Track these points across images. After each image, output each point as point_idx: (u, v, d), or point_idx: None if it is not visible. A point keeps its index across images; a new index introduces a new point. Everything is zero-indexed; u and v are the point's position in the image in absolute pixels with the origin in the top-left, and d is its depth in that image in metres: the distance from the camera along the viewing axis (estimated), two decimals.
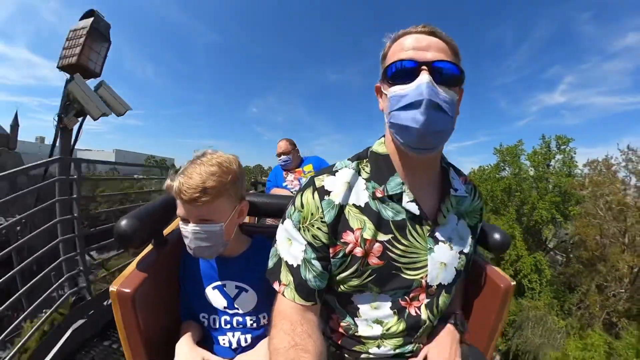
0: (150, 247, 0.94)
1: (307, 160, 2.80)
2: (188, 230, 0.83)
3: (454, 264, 0.74)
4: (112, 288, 0.80)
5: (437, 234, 0.71)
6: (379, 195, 0.69)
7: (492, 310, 0.91)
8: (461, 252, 0.75)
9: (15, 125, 17.26)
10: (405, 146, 0.64)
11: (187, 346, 0.84)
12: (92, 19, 3.42)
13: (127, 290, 0.80)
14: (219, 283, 0.91)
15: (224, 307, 0.91)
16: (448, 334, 0.79)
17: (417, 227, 0.69)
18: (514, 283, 0.90)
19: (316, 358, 0.60)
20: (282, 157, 2.70)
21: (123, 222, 0.83)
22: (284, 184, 2.69)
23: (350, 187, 0.70)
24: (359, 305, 0.72)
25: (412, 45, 0.65)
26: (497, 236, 0.90)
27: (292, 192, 2.63)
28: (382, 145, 0.75)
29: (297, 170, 2.75)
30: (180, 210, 0.84)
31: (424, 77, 0.61)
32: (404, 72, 0.63)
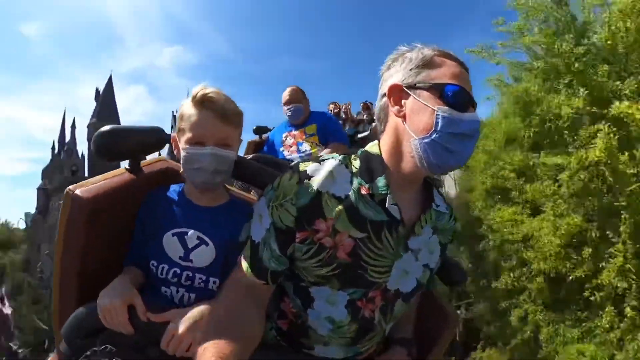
0: (121, 170, 0.91)
1: (311, 118, 2.41)
2: (206, 152, 0.81)
3: (416, 275, 0.76)
4: (70, 189, 0.78)
5: (410, 243, 0.72)
6: (363, 192, 0.69)
7: (436, 340, 0.97)
8: (426, 266, 0.77)
9: None
10: (429, 165, 0.65)
11: (122, 281, 0.77)
12: None
13: (86, 197, 0.77)
14: (181, 230, 0.86)
15: (178, 258, 0.85)
16: (401, 358, 0.82)
17: (393, 231, 0.69)
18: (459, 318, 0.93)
19: (248, 329, 0.62)
20: (291, 106, 2.31)
21: (107, 128, 0.84)
22: (282, 150, 2.35)
23: (333, 176, 0.69)
24: (314, 297, 0.72)
25: (461, 76, 0.68)
26: (457, 272, 0.96)
27: (291, 160, 2.29)
28: (376, 147, 0.74)
29: (298, 132, 2.39)
30: (196, 130, 0.82)
31: (475, 114, 0.67)
32: (464, 100, 0.66)
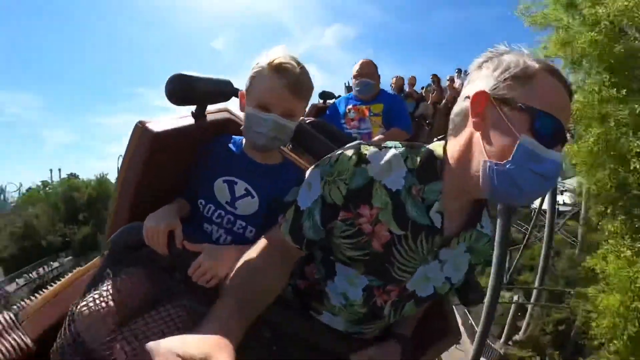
0: (187, 114, 0.95)
1: (379, 97, 2.32)
2: (269, 119, 0.84)
3: (435, 283, 0.75)
4: (141, 122, 0.84)
5: (441, 253, 0.71)
6: (413, 192, 0.67)
7: (429, 349, 0.99)
8: (448, 279, 0.76)
9: None
10: (491, 194, 0.61)
11: (170, 210, 0.83)
12: None
13: (153, 131, 0.83)
14: (232, 178, 0.91)
15: (225, 202, 0.90)
16: (391, 353, 0.83)
17: (430, 238, 0.68)
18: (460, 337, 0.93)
19: (270, 283, 0.66)
20: (362, 79, 2.25)
21: (178, 73, 0.87)
22: (342, 122, 2.31)
23: (390, 167, 0.67)
24: (337, 272, 0.74)
25: (562, 106, 0.60)
26: (474, 292, 0.92)
27: (351, 134, 2.25)
28: (441, 148, 0.70)
29: (363, 107, 2.32)
30: (265, 96, 0.85)
31: (560, 154, 0.60)
32: (555, 136, 0.59)
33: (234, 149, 0.95)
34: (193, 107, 0.95)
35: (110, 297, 0.73)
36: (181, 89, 0.89)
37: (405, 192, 0.67)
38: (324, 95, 2.93)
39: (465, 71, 8.20)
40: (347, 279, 0.73)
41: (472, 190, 0.65)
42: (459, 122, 0.66)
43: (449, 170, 0.67)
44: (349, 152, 0.68)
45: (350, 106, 2.35)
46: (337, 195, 0.67)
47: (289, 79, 0.84)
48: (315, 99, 2.96)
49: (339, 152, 0.70)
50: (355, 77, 2.29)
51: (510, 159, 0.57)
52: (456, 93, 6.07)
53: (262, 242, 0.71)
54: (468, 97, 0.63)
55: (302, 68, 0.87)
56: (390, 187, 0.67)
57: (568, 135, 0.60)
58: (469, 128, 0.63)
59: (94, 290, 0.75)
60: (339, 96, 2.80)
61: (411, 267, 0.70)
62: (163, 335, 0.60)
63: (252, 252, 0.69)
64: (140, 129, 0.84)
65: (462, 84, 7.00)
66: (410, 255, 0.69)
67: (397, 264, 0.69)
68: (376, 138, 2.22)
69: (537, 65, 0.60)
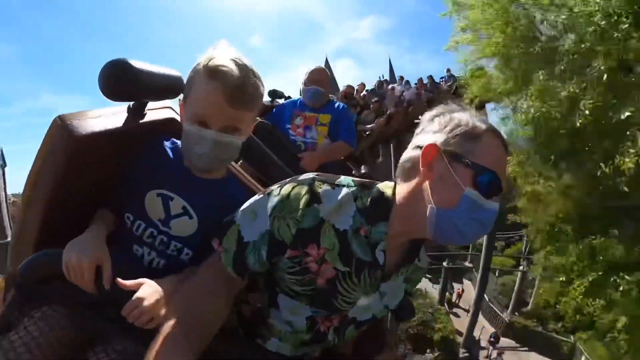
0: (122, 109, 0.81)
1: (328, 107, 2.31)
2: (207, 137, 0.73)
3: (374, 311, 0.80)
4: (62, 117, 0.69)
5: (382, 286, 0.76)
6: (361, 232, 0.69)
7: None
8: (386, 306, 0.81)
9: None
10: (435, 236, 0.66)
11: (94, 236, 0.71)
12: None
13: (78, 130, 0.69)
14: (167, 193, 0.79)
15: (157, 220, 0.78)
16: None
17: (372, 273, 0.72)
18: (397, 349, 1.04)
19: (214, 319, 0.64)
20: (314, 87, 2.19)
21: (117, 60, 0.73)
22: (288, 127, 2.27)
23: (340, 208, 0.69)
24: (279, 304, 0.75)
25: (501, 164, 0.66)
26: (406, 310, 0.94)
27: (295, 141, 2.23)
28: (390, 190, 0.72)
29: (311, 115, 2.31)
30: (200, 108, 0.73)
31: (497, 204, 0.65)
32: (495, 189, 0.64)
33: (172, 155, 0.83)
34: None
35: (24, 347, 0.60)
36: (122, 83, 0.74)
37: (352, 232, 0.69)
38: (274, 94, 2.80)
39: (407, 81, 8.82)
40: (291, 310, 0.75)
41: (417, 232, 0.70)
42: (409, 168, 0.70)
43: (396, 212, 0.70)
44: (302, 190, 0.67)
45: (297, 111, 2.30)
46: (286, 233, 0.67)
47: (227, 87, 0.70)
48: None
49: (292, 186, 0.69)
50: (307, 83, 2.25)
51: (455, 208, 0.63)
52: (397, 101, 6.41)
53: (202, 269, 0.70)
54: (419, 147, 0.67)
55: (246, 70, 0.73)
56: (338, 227, 0.68)
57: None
58: (418, 176, 0.67)
59: (2, 339, 0.61)
60: (289, 97, 2.74)
61: (353, 299, 0.74)
62: None
63: (194, 280, 0.68)
64: (60, 128, 0.68)
65: (402, 92, 7.49)
66: (352, 289, 0.72)
67: (340, 297, 0.72)
68: (320, 148, 2.22)
69: (483, 127, 0.66)
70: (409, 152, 0.71)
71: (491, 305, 14.49)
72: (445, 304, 14.53)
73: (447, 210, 0.63)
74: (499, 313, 13.89)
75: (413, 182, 0.68)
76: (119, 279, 0.66)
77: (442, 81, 9.30)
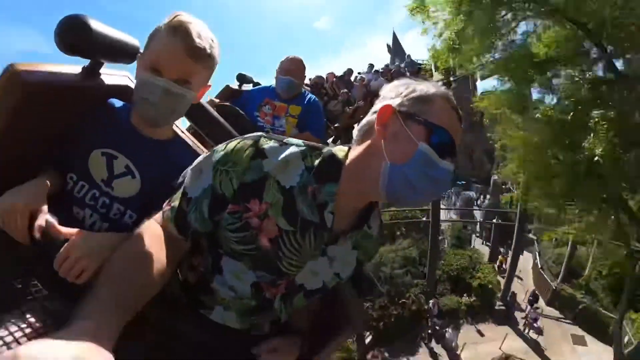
0: (77, 68, 0.81)
1: (300, 98, 2.30)
2: (159, 84, 0.74)
3: (324, 278, 0.78)
4: (14, 65, 0.69)
5: (328, 249, 0.74)
6: (308, 190, 0.68)
7: (328, 342, 0.98)
8: (337, 274, 0.79)
9: None
10: (388, 192, 0.66)
11: (35, 185, 0.70)
12: None
13: (30, 79, 0.69)
14: (111, 152, 0.78)
15: (100, 180, 0.78)
16: (292, 347, 0.84)
17: (318, 235, 0.71)
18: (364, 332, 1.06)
19: (152, 279, 0.59)
20: (288, 78, 2.16)
21: (78, 16, 0.74)
22: (256, 114, 2.24)
23: (287, 165, 0.68)
24: (223, 267, 0.73)
25: (454, 128, 0.67)
26: (366, 285, 1.02)
27: (264, 128, 2.18)
28: (343, 153, 0.72)
29: (281, 104, 2.28)
30: (157, 56, 0.75)
31: (451, 165, 0.66)
32: (447, 149, 0.66)
33: (120, 117, 0.83)
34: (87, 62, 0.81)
35: None
36: (76, 36, 0.75)
37: (299, 190, 0.68)
38: (242, 78, 2.71)
39: (377, 70, 9.10)
40: (235, 274, 0.73)
41: (368, 193, 0.70)
42: (365, 130, 0.71)
43: (347, 173, 0.70)
44: (247, 143, 0.67)
45: (266, 99, 2.27)
46: (228, 187, 0.66)
47: (187, 40, 0.74)
48: (230, 81, 2.76)
49: (237, 142, 0.69)
50: (282, 73, 2.21)
51: (408, 162, 0.64)
52: (365, 92, 6.35)
53: (142, 229, 0.66)
54: (376, 112, 0.69)
55: (206, 31, 0.77)
56: (283, 184, 0.68)
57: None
58: (373, 136, 0.69)
59: None
60: (257, 83, 2.70)
61: (299, 262, 0.72)
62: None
63: (131, 240, 0.64)
64: (10, 74, 0.69)
65: (369, 81, 7.63)
66: (297, 250, 0.71)
67: (284, 258, 0.71)
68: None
69: (437, 92, 0.69)
70: (366, 118, 0.72)
71: (542, 272, 14.39)
72: (496, 267, 14.94)
73: (400, 164, 0.64)
74: (548, 280, 13.83)
75: (367, 142, 0.69)
76: (52, 222, 0.63)
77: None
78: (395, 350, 11.18)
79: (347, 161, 0.71)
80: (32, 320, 0.60)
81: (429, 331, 11.69)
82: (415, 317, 11.83)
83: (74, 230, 0.65)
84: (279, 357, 0.81)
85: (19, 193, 0.66)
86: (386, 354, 10.92)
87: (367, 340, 10.45)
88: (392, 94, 0.71)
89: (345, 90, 5.84)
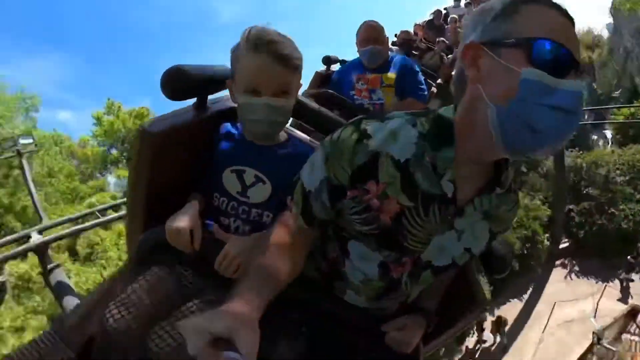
0: (188, 107, 0.93)
1: (390, 64, 2.12)
2: (261, 103, 0.80)
3: (453, 254, 0.73)
4: (141, 125, 0.84)
5: (455, 222, 0.69)
6: (426, 159, 0.63)
7: (455, 321, 0.99)
8: (467, 250, 0.74)
9: None
10: (504, 144, 0.56)
11: (188, 209, 0.85)
12: None
13: (153, 132, 0.82)
14: (239, 167, 0.89)
15: (236, 193, 0.89)
16: (418, 325, 0.85)
17: (443, 207, 0.66)
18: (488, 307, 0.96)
19: (289, 266, 0.66)
20: (370, 47, 2.02)
21: (172, 67, 0.84)
22: (352, 93, 2.16)
23: (395, 136, 0.65)
24: (350, 251, 0.75)
25: (565, 31, 0.55)
26: (498, 264, 0.89)
27: (363, 104, 2.10)
28: (450, 112, 0.65)
29: (373, 76, 2.17)
30: (250, 78, 0.80)
31: (579, 83, 0.54)
32: (563, 62, 0.53)
33: (236, 136, 0.93)
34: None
35: (134, 300, 0.75)
36: (179, 84, 0.87)
37: (415, 161, 0.64)
38: (328, 60, 2.68)
39: (468, 1, 7.07)
40: (361, 256, 0.74)
41: (487, 150, 0.62)
42: (459, 84, 0.63)
43: (461, 132, 0.63)
44: (350, 129, 0.67)
45: (358, 75, 2.17)
46: (342, 176, 0.67)
47: (271, 51, 0.77)
48: (318, 66, 2.70)
49: (340, 130, 0.69)
50: (362, 43, 2.09)
51: (515, 98, 0.53)
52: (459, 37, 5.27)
53: (276, 225, 0.74)
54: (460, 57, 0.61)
55: (283, 36, 0.81)
56: (398, 158, 0.64)
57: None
58: (469, 84, 0.60)
59: (121, 294, 0.77)
60: (343, 61, 2.64)
61: (424, 239, 0.69)
62: None
63: (268, 236, 0.71)
64: (140, 132, 0.84)
65: (461, 17, 5.88)
66: (422, 226, 0.68)
67: (409, 235, 0.68)
68: (390, 109, 2.08)
69: None
70: (456, 66, 0.65)
71: None
72: None
73: (508, 105, 0.53)
74: None
75: (467, 95, 0.61)
76: (216, 230, 0.82)
77: None
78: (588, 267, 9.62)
79: (457, 119, 0.64)
80: (201, 307, 0.76)
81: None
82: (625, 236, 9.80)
83: (228, 235, 0.81)
84: (407, 334, 0.83)
85: (179, 218, 0.81)
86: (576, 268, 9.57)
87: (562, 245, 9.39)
88: (471, 26, 0.62)
89: (441, 38, 5.04)
